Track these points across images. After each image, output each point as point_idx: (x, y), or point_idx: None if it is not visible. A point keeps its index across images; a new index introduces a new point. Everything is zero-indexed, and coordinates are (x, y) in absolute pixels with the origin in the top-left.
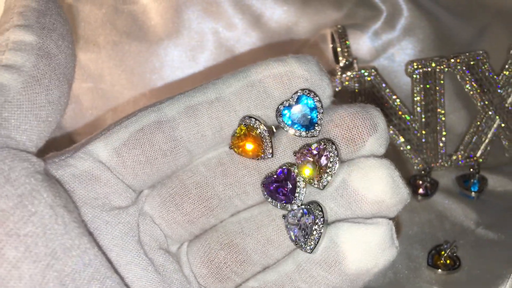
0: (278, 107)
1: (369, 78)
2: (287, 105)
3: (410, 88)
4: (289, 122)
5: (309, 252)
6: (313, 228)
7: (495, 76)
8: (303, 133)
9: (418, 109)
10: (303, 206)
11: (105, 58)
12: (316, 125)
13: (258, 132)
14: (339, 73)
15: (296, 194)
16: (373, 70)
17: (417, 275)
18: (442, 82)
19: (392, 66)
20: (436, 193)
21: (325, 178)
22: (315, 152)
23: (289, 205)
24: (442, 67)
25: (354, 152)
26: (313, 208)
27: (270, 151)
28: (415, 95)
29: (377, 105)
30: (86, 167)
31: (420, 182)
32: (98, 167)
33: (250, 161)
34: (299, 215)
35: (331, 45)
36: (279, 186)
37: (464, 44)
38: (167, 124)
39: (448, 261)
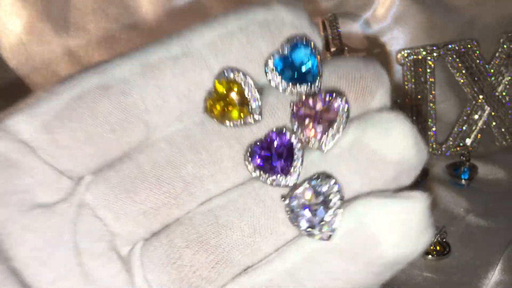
0: (267, 60)
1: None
2: (280, 55)
3: (401, 77)
4: (283, 76)
5: (325, 239)
6: (329, 206)
7: (485, 65)
8: (303, 88)
9: (409, 97)
10: (307, 180)
11: (95, 44)
12: (318, 78)
13: (243, 87)
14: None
15: (294, 163)
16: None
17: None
18: (432, 70)
19: (383, 55)
20: (427, 181)
21: (331, 136)
22: (319, 105)
23: (286, 178)
24: (432, 55)
25: (363, 108)
26: (322, 180)
27: (259, 111)
28: (406, 83)
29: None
30: None
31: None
32: (18, 148)
33: (229, 130)
34: (306, 191)
35: (322, 33)
36: (271, 155)
37: (455, 33)
38: (116, 88)
39: (438, 247)
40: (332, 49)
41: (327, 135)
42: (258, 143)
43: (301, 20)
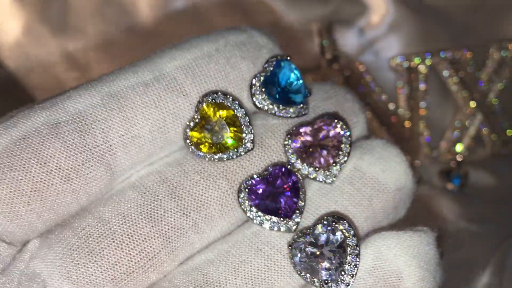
0: (252, 81)
1: (355, 73)
2: (264, 77)
3: (394, 83)
4: (271, 98)
5: None
6: (347, 252)
7: (477, 72)
8: (291, 112)
9: (402, 103)
10: (318, 223)
11: (93, 47)
12: (307, 98)
13: (233, 112)
14: (325, 67)
15: (298, 211)
16: (358, 65)
17: None
18: (426, 77)
19: (377, 62)
20: (419, 186)
21: (337, 167)
22: (323, 133)
23: (288, 221)
24: (425, 62)
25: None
26: (332, 220)
27: (252, 138)
28: (399, 90)
29: (363, 98)
30: None
31: None
32: None
33: (213, 166)
34: (318, 237)
35: (317, 40)
36: (273, 192)
37: (447, 40)
38: (70, 125)
39: None
40: (327, 57)
41: (335, 165)
42: (254, 179)
43: (274, 44)
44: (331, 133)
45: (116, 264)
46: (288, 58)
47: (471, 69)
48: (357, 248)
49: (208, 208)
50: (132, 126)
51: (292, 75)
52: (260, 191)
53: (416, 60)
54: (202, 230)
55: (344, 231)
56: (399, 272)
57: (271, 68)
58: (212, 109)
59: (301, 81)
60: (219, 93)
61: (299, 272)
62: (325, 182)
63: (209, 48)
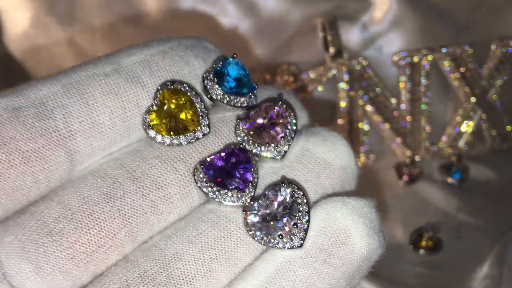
0: (204, 74)
1: (358, 67)
2: (216, 71)
3: (396, 79)
4: (224, 87)
5: (298, 246)
6: (299, 210)
7: (478, 69)
8: (243, 101)
9: (404, 98)
10: (268, 189)
11: (100, 40)
12: (255, 89)
13: (189, 99)
14: (328, 61)
15: (251, 176)
16: (362, 59)
17: (400, 256)
18: (427, 73)
19: (380, 57)
20: (420, 180)
21: (285, 142)
22: (269, 113)
23: (242, 193)
24: (427, 58)
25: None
26: (282, 184)
27: (207, 123)
28: (401, 85)
29: (365, 92)
30: None
31: (404, 169)
32: None
33: (170, 151)
34: (270, 201)
35: (321, 35)
36: (227, 168)
37: (449, 37)
38: (32, 110)
39: (430, 243)
40: (331, 52)
41: (283, 140)
42: (210, 157)
43: (220, 51)
44: (277, 112)
45: (76, 243)
46: (235, 56)
47: (472, 65)
48: (307, 205)
49: (167, 189)
50: (93, 113)
51: (240, 70)
52: (214, 167)
53: (418, 56)
54: (161, 211)
55: (293, 192)
56: (347, 229)
57: (220, 65)
58: (170, 94)
59: (248, 75)
60: (177, 81)
61: (253, 235)
62: (275, 158)
63: (164, 47)
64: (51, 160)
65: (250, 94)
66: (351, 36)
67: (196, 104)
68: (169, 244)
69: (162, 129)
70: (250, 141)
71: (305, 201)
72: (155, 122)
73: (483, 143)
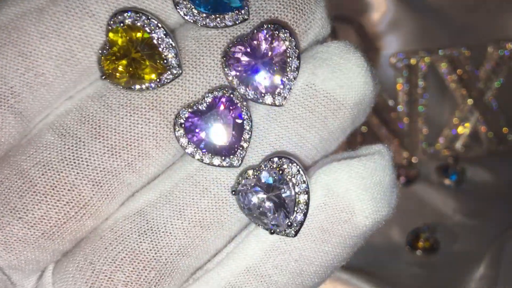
0: None
1: None
2: None
3: (394, 80)
4: (202, 7)
5: (292, 236)
6: (293, 197)
7: (475, 71)
8: (228, 19)
9: (401, 100)
10: (258, 166)
11: None
12: (243, 1)
13: (150, 34)
14: None
15: (243, 136)
16: None
17: (397, 257)
18: (424, 75)
19: (377, 59)
20: (417, 182)
21: (285, 87)
22: (264, 46)
23: (232, 157)
24: (425, 60)
25: (305, 34)
26: (278, 162)
27: (178, 61)
28: (399, 86)
29: None
30: None
31: (401, 171)
32: None
33: (141, 97)
34: (262, 179)
35: None
36: (216, 124)
37: (446, 39)
38: None
39: (426, 244)
40: None
41: (283, 85)
42: (191, 109)
43: None
44: (274, 47)
45: (44, 218)
46: None
47: (469, 67)
48: (307, 194)
49: (141, 144)
50: (32, 63)
51: None
52: (198, 128)
53: (416, 58)
54: (138, 168)
55: (287, 171)
56: (351, 207)
57: None
58: (122, 34)
59: None
60: (130, 12)
61: (248, 216)
62: (274, 104)
63: None
64: (0, 126)
65: (239, 7)
66: (349, 38)
67: (158, 40)
68: (155, 215)
69: (119, 76)
70: (242, 85)
71: (305, 190)
72: (110, 69)
73: (479, 145)
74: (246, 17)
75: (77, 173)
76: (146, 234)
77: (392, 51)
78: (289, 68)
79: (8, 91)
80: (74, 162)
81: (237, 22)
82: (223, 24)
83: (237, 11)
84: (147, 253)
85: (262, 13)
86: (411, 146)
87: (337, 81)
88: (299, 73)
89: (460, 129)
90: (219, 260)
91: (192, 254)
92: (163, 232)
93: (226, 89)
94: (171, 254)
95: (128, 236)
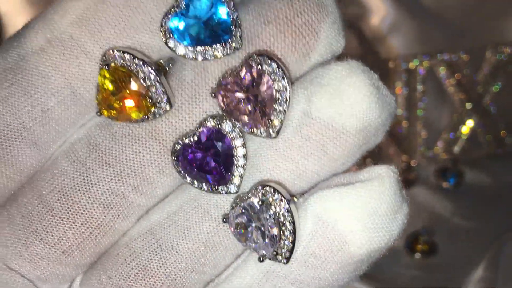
0: (161, 22)
1: None
2: (176, 13)
3: (393, 84)
4: (188, 41)
5: (284, 263)
6: (279, 229)
7: (473, 75)
8: (218, 50)
9: (400, 104)
10: (249, 195)
11: None
12: (234, 29)
13: (134, 71)
14: None
15: (236, 166)
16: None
17: (395, 260)
18: (423, 79)
19: (377, 63)
20: (416, 185)
21: (277, 118)
22: (247, 80)
23: (227, 186)
24: (423, 64)
25: (306, 58)
26: (265, 193)
27: (165, 98)
28: (397, 90)
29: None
30: None
31: (400, 174)
32: None
33: (141, 127)
34: (248, 211)
35: None
36: (206, 156)
37: (445, 43)
38: None
39: (425, 247)
40: None
41: (274, 118)
42: (185, 142)
43: None
44: (262, 81)
45: (63, 239)
46: None
47: (467, 71)
48: (291, 224)
49: (144, 171)
50: (37, 100)
51: (212, 8)
52: (192, 157)
53: (414, 62)
54: (145, 191)
55: (276, 206)
56: (342, 237)
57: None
58: (110, 74)
59: (222, 10)
60: (116, 52)
61: (240, 242)
62: (267, 137)
63: None
64: (14, 156)
65: (231, 37)
66: (349, 42)
67: (148, 79)
68: (163, 235)
69: (114, 115)
70: (232, 119)
71: (288, 219)
72: (104, 108)
73: (478, 148)
74: (238, 46)
75: (88, 197)
76: (155, 252)
77: (391, 55)
78: (278, 102)
79: (20, 125)
80: (85, 188)
81: (228, 53)
82: (214, 56)
83: (227, 42)
84: (157, 269)
85: (257, 39)
86: (410, 150)
87: (336, 109)
88: (296, 99)
89: (458, 133)
90: (228, 274)
91: (200, 270)
92: (170, 250)
93: (219, 120)
94: (180, 270)
95: (141, 253)
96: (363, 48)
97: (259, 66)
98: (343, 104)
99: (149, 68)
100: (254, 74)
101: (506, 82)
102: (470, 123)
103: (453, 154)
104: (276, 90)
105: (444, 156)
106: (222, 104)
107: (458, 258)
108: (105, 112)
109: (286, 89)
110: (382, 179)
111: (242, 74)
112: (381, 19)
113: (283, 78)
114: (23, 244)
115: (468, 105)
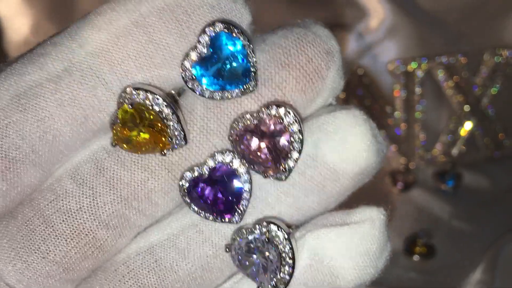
0: (183, 62)
1: (353, 76)
2: (198, 54)
3: (391, 87)
4: (207, 82)
5: None
6: (280, 263)
7: (471, 77)
8: (235, 92)
9: (399, 106)
10: (253, 229)
11: None
12: (252, 73)
13: (155, 110)
14: None
15: (241, 199)
16: (357, 68)
17: (393, 262)
18: (422, 81)
19: (375, 66)
20: (414, 187)
21: (288, 166)
22: (264, 127)
23: (230, 217)
24: (421, 67)
25: (312, 102)
26: (268, 229)
27: (182, 136)
28: (396, 93)
29: (360, 100)
30: None
31: (399, 176)
32: None
33: (151, 157)
34: (251, 245)
35: None
36: (213, 190)
37: (443, 46)
38: None
39: (423, 249)
40: None
41: (285, 164)
42: (194, 175)
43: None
44: (278, 130)
45: (65, 257)
46: (227, 24)
47: (465, 74)
48: (291, 260)
49: (150, 197)
50: (49, 127)
51: (232, 47)
52: (200, 189)
53: (413, 65)
54: (148, 214)
55: (279, 242)
56: (334, 273)
57: (206, 39)
58: (128, 110)
59: (241, 54)
60: (130, 89)
61: (240, 270)
62: (276, 179)
63: (126, 22)
64: (20, 177)
65: (248, 79)
66: (347, 45)
67: (165, 116)
68: (163, 255)
69: (129, 148)
70: (244, 161)
71: (290, 255)
72: (119, 140)
73: (476, 150)
74: (253, 89)
75: (94, 219)
76: (154, 271)
77: (390, 57)
78: (292, 151)
79: (29, 149)
80: (91, 210)
81: (243, 94)
82: (230, 96)
83: (245, 85)
84: (155, 286)
85: (270, 81)
86: (408, 152)
87: (340, 155)
88: (304, 143)
89: (456, 135)
90: None
91: None
92: (169, 270)
93: (227, 155)
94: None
95: (139, 271)
96: (361, 51)
97: (276, 114)
98: (347, 152)
99: (170, 108)
100: (271, 122)
101: (504, 85)
102: (468, 126)
103: (451, 156)
104: (292, 141)
105: (443, 158)
106: (238, 149)
107: (456, 260)
108: (120, 144)
109: (301, 140)
110: (373, 222)
111: (259, 120)
112: (380, 22)
113: (300, 132)
114: (23, 262)
115: (466, 108)
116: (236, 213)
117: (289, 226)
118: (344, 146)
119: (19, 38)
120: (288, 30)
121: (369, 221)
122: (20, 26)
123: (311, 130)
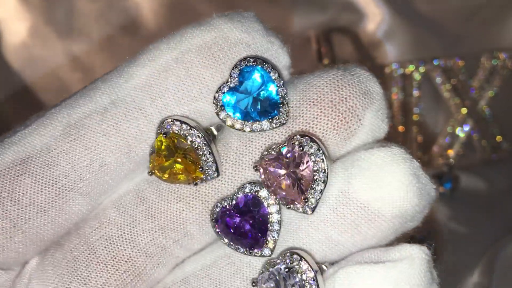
0: (215, 95)
1: None
2: (229, 87)
3: (389, 90)
4: (237, 114)
5: None
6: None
7: (468, 80)
8: (265, 125)
9: (396, 109)
10: (277, 261)
11: (97, 50)
12: (281, 106)
13: (189, 141)
14: None
15: (270, 231)
16: None
17: None
18: (419, 84)
19: (372, 69)
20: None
21: (313, 197)
22: (289, 158)
23: (259, 250)
24: (419, 70)
25: (347, 141)
26: (292, 261)
27: (214, 167)
28: (393, 96)
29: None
30: None
31: None
32: None
33: (187, 188)
34: (277, 276)
35: (315, 47)
36: (242, 220)
37: (441, 49)
38: (38, 160)
39: None
40: (325, 62)
41: (310, 197)
42: (224, 205)
43: (252, 33)
44: (301, 161)
45: (105, 284)
46: (259, 60)
47: (463, 77)
48: (316, 283)
49: (186, 227)
50: (96, 155)
51: (261, 80)
52: (230, 220)
53: (410, 67)
54: (184, 245)
55: (302, 274)
56: None
57: (238, 74)
58: (165, 141)
59: (271, 89)
60: (168, 121)
61: None
62: (303, 212)
63: (167, 58)
64: (69, 205)
65: (278, 112)
66: (345, 48)
67: (198, 148)
68: (197, 284)
69: (165, 178)
70: (272, 194)
71: (314, 285)
72: (156, 170)
73: (473, 153)
74: (283, 122)
75: (133, 246)
76: None
77: (387, 61)
78: (316, 182)
79: (77, 177)
80: (131, 238)
81: (274, 127)
82: (260, 129)
83: (275, 118)
84: None
85: (301, 118)
86: None
87: (373, 194)
88: (335, 178)
89: (454, 138)
90: None
91: None
92: None
93: (257, 186)
94: None
95: None
96: (359, 53)
97: (301, 146)
98: (380, 190)
99: (203, 139)
100: (296, 153)
101: (501, 88)
102: (465, 128)
103: (448, 159)
104: (315, 171)
105: (440, 161)
106: (263, 177)
107: (454, 263)
108: (157, 173)
109: (325, 171)
110: (413, 261)
111: (284, 151)
112: (377, 25)
113: (323, 161)
114: (65, 287)
115: (464, 110)
116: (266, 246)
117: (320, 264)
118: (378, 183)
119: (16, 41)
120: (325, 71)
121: (408, 260)
122: (17, 29)
123: (344, 166)
